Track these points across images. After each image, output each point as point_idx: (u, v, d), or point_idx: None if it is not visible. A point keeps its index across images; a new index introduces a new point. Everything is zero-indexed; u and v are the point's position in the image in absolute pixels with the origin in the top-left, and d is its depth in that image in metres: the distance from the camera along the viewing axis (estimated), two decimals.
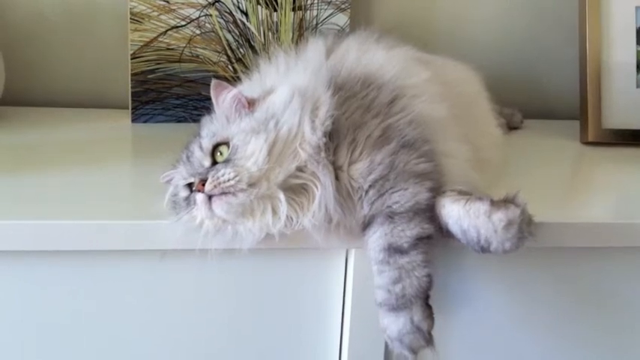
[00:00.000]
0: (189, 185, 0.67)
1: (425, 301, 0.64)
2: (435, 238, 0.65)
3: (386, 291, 0.64)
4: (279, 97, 0.67)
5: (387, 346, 0.68)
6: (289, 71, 0.73)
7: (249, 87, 0.74)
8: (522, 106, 1.14)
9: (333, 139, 0.66)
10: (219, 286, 0.71)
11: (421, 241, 0.64)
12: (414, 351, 0.64)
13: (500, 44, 1.19)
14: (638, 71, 1.05)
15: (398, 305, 0.63)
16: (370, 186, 0.65)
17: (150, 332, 0.71)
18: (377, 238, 0.64)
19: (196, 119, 0.73)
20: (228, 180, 0.63)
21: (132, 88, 1.03)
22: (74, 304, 0.69)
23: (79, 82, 1.11)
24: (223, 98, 0.68)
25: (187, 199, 0.66)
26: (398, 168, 0.65)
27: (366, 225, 0.66)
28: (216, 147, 0.66)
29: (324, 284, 0.72)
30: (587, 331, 0.79)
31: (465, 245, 0.64)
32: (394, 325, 0.64)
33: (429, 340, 0.64)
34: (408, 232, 0.64)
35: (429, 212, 0.65)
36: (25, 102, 1.08)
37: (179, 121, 1.05)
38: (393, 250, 0.64)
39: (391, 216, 0.64)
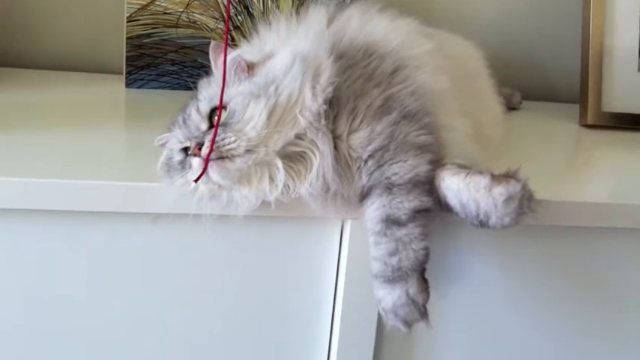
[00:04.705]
0: (185, 149, 0.66)
1: (421, 274, 0.63)
2: (433, 211, 0.64)
3: (382, 263, 0.63)
4: (280, 61, 0.66)
5: (379, 318, 0.68)
6: (290, 37, 0.71)
7: (248, 51, 0.72)
8: (522, 87, 1.13)
9: (333, 107, 0.64)
10: (212, 252, 0.70)
11: (419, 213, 0.63)
12: (409, 324, 0.63)
13: (502, 22, 1.18)
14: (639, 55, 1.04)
15: (394, 277, 0.63)
16: (369, 156, 0.64)
17: (140, 295, 0.70)
18: (375, 209, 0.63)
19: (191, 87, 0.72)
20: (228, 144, 0.61)
21: (127, 52, 1.01)
22: (64, 265, 0.68)
23: (74, 44, 1.08)
24: (222, 61, 0.66)
25: (182, 162, 0.65)
26: (398, 139, 0.64)
27: (364, 196, 0.65)
28: (213, 110, 0.65)
29: (318, 254, 0.71)
30: (582, 309, 0.79)
31: (463, 219, 0.63)
32: (389, 297, 0.63)
33: (423, 313, 0.63)
34: (406, 204, 0.63)
35: (428, 185, 0.64)
36: (19, 64, 1.07)
37: (173, 89, 1.03)
38: (391, 222, 0.63)
39: (390, 187, 0.63)
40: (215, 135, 0.62)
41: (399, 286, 0.63)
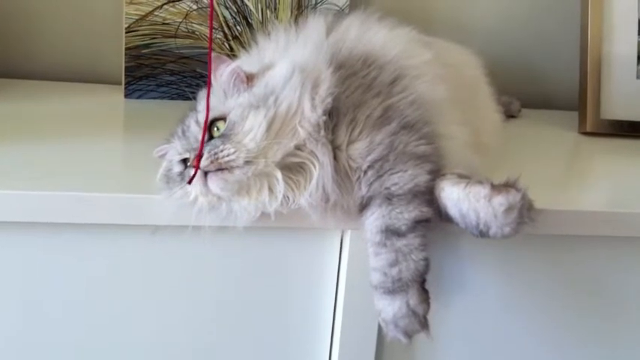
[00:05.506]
0: (184, 160, 0.65)
1: (421, 284, 0.63)
2: (433, 221, 0.64)
3: (382, 274, 0.63)
4: (279, 72, 0.65)
5: (380, 329, 0.68)
6: (289, 47, 0.71)
7: (247, 62, 0.72)
8: (520, 94, 1.13)
9: (333, 118, 0.64)
10: (211, 264, 0.70)
11: (419, 224, 0.63)
12: (409, 335, 0.63)
13: (500, 31, 1.18)
14: (638, 62, 1.04)
15: (394, 288, 0.62)
16: (369, 166, 0.64)
17: (139, 307, 0.70)
18: (374, 219, 0.63)
19: (190, 97, 0.72)
20: (227, 155, 0.61)
21: (125, 62, 1.01)
22: (63, 277, 0.68)
23: (72, 55, 1.08)
24: (221, 72, 0.66)
25: (181, 174, 0.65)
26: (398, 149, 0.64)
27: (364, 206, 0.65)
28: (213, 122, 0.64)
29: (318, 265, 0.71)
30: (582, 318, 0.79)
31: (463, 229, 0.63)
32: (389, 308, 0.63)
33: (424, 324, 0.63)
34: (406, 214, 0.62)
35: (428, 195, 0.64)
36: (18, 74, 1.06)
37: (172, 99, 1.03)
38: (391, 233, 0.62)
39: (389, 198, 0.63)
40: (202, 144, 0.62)
41: (399, 297, 0.62)
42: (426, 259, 0.63)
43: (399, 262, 0.62)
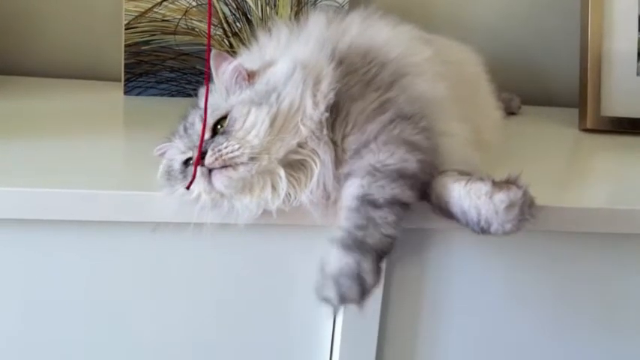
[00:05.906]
0: (187, 158, 0.65)
1: (380, 258, 0.59)
2: (411, 209, 0.61)
3: (346, 231, 0.59)
4: (281, 69, 0.65)
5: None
6: (290, 44, 0.71)
7: (248, 59, 0.72)
8: (520, 91, 1.13)
9: (332, 113, 0.64)
10: (213, 261, 0.70)
11: (398, 204, 0.60)
12: (343, 300, 0.58)
13: (501, 27, 1.18)
14: (638, 59, 1.04)
15: (352, 246, 0.58)
16: (356, 147, 0.63)
17: (140, 304, 0.70)
18: (353, 189, 0.61)
19: (190, 94, 0.71)
20: (232, 152, 0.61)
21: (125, 59, 1.00)
22: (64, 275, 0.68)
23: (71, 52, 1.08)
24: (223, 70, 0.66)
25: (183, 171, 0.65)
26: (392, 133, 0.62)
27: (345, 179, 0.63)
28: (219, 121, 0.64)
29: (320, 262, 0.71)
30: (583, 315, 0.79)
31: (464, 226, 0.62)
32: (337, 262, 0.58)
33: (363, 296, 0.58)
34: (388, 189, 0.60)
35: (415, 182, 0.61)
36: (17, 71, 1.06)
37: (172, 96, 1.03)
38: (367, 202, 0.60)
39: (373, 173, 0.61)
40: (201, 142, 0.61)
41: (353, 255, 0.58)
42: (394, 238, 0.59)
43: (367, 228, 0.59)
